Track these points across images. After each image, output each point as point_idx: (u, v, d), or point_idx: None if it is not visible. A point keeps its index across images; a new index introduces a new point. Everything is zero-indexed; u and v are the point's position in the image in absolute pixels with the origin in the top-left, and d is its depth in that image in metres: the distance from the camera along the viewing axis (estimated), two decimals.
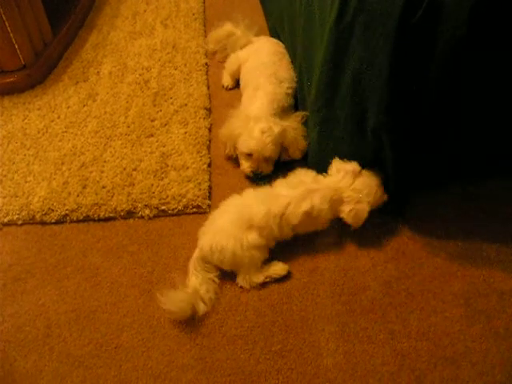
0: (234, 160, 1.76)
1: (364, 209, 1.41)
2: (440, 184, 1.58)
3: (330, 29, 1.31)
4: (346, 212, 1.41)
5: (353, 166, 1.43)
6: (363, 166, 1.46)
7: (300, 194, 1.41)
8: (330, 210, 1.42)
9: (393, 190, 1.46)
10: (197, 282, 1.37)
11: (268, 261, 1.43)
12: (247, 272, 1.38)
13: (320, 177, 1.48)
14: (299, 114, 1.69)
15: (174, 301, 1.31)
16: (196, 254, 1.43)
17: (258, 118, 1.65)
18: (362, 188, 1.42)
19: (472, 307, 1.34)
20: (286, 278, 1.41)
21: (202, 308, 1.34)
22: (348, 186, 1.42)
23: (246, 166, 1.67)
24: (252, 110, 1.72)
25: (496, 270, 1.42)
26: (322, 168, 1.49)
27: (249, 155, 1.64)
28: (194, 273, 1.39)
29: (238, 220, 1.38)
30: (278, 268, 1.41)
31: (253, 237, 1.37)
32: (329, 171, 1.47)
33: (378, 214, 1.52)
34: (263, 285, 1.40)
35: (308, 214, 1.40)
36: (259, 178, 1.67)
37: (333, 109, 1.44)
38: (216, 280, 1.40)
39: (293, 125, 1.66)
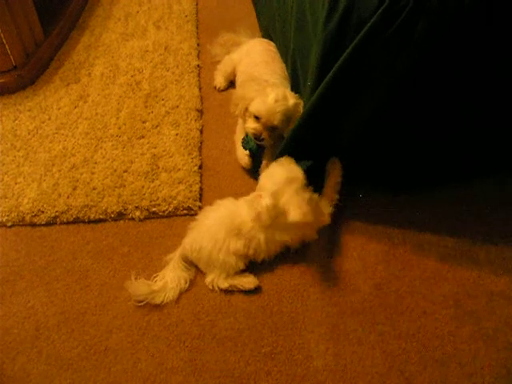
0: (226, 161, 1.77)
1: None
2: (429, 186, 1.59)
3: (321, 29, 1.32)
4: None
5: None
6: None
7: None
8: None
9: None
10: (169, 279, 1.39)
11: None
12: (216, 275, 1.39)
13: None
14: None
15: (136, 290, 1.37)
16: (179, 250, 1.44)
17: (275, 84, 1.66)
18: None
19: (461, 308, 1.35)
20: (256, 291, 1.40)
21: (157, 301, 1.37)
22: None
23: (251, 126, 1.64)
24: (269, 79, 1.74)
25: (485, 272, 1.43)
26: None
27: (257, 118, 1.63)
28: (171, 269, 1.42)
29: (226, 224, 1.39)
30: (247, 280, 1.40)
31: (235, 245, 1.37)
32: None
33: (369, 216, 1.53)
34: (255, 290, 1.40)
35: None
36: (252, 150, 1.67)
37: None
38: (187, 281, 1.41)
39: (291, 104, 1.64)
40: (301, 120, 1.45)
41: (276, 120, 1.59)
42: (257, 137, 1.63)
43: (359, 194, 1.61)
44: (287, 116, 1.60)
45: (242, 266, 1.40)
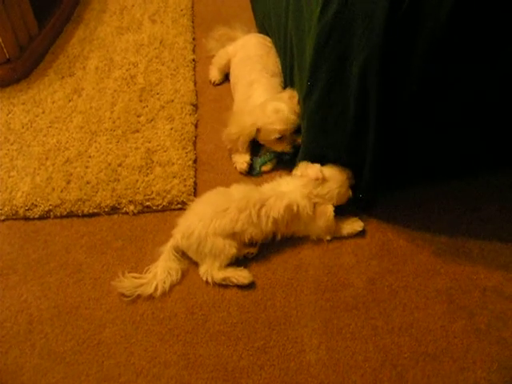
0: (220, 156, 1.77)
1: (328, 209, 1.43)
2: (424, 181, 1.58)
3: (316, 22, 1.31)
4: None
5: (315, 172, 1.43)
6: (339, 154, 1.46)
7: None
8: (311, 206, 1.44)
9: (368, 180, 1.46)
10: (159, 270, 1.40)
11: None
12: (210, 265, 1.39)
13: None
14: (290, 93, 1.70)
15: (122, 285, 1.37)
16: (170, 241, 1.44)
17: (263, 104, 1.67)
18: (324, 193, 1.43)
19: (455, 303, 1.35)
20: (249, 286, 1.39)
21: (147, 292, 1.37)
22: (311, 192, 1.43)
23: (281, 147, 1.67)
24: (253, 100, 1.74)
25: (479, 267, 1.43)
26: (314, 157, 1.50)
27: (279, 139, 1.65)
28: (162, 260, 1.42)
29: (214, 203, 1.41)
30: (241, 274, 1.39)
31: (221, 222, 1.37)
32: (294, 171, 1.51)
33: (363, 211, 1.54)
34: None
35: (289, 208, 1.42)
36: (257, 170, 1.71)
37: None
38: (179, 272, 1.41)
39: (288, 103, 1.67)
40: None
41: (294, 123, 1.62)
42: (295, 146, 1.64)
43: (358, 194, 1.61)
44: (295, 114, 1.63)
45: (232, 250, 1.39)
